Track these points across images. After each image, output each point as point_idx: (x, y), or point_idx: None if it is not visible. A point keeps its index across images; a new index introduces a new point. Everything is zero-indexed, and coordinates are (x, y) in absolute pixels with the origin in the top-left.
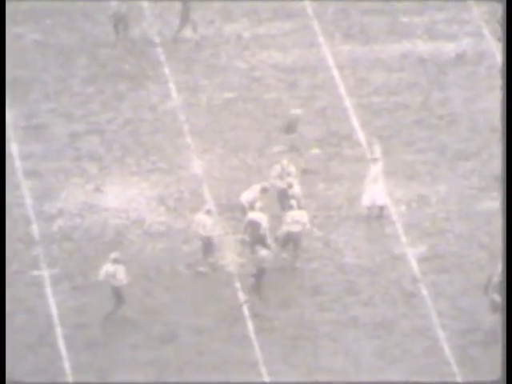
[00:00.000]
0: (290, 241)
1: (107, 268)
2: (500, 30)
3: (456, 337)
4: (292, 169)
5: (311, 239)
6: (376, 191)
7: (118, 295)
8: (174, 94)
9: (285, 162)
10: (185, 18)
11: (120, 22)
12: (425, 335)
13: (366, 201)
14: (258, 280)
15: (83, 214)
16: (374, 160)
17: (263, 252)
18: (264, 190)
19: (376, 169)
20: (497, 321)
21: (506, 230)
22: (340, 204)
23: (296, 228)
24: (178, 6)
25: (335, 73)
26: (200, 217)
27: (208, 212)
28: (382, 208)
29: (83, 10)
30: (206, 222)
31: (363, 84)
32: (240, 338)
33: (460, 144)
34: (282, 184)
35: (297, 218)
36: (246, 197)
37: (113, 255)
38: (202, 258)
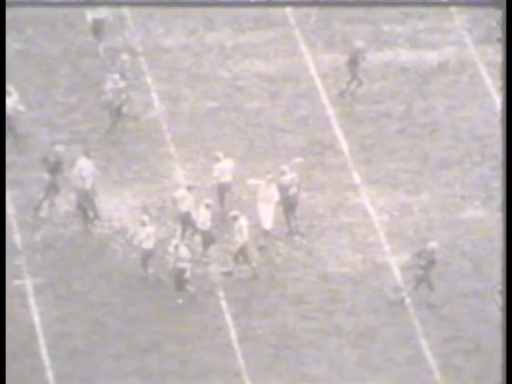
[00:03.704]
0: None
1: None
2: (500, 31)
3: (439, 345)
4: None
5: (294, 248)
6: (266, 213)
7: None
8: (156, 103)
9: (285, 167)
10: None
11: (117, 113)
12: (408, 343)
13: (259, 216)
14: (427, 272)
15: (66, 223)
16: (268, 183)
17: (433, 243)
18: (189, 188)
19: (269, 191)
20: (479, 329)
21: (506, 234)
22: (323, 213)
23: (239, 239)
24: (160, 14)
25: (317, 82)
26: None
27: (207, 206)
28: (266, 232)
29: (65, 19)
30: (207, 216)
31: (346, 93)
32: (223, 346)
33: (442, 152)
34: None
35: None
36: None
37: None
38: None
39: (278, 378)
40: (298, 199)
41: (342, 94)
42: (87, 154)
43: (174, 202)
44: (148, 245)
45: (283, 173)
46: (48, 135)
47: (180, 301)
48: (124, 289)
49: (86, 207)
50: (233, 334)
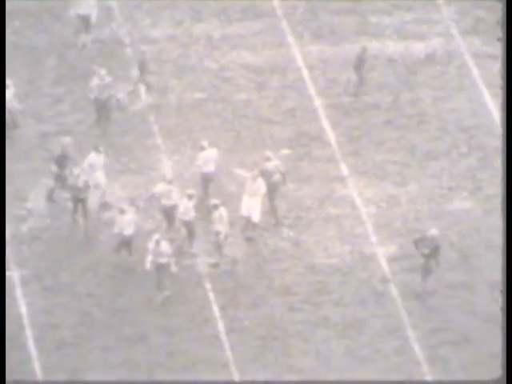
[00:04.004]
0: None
1: None
2: (500, 30)
3: (426, 336)
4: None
5: (281, 239)
6: (252, 206)
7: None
8: (143, 94)
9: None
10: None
11: (103, 109)
12: (395, 335)
13: (243, 211)
14: (434, 259)
15: (53, 214)
16: (254, 177)
17: (433, 230)
18: (169, 182)
19: (256, 185)
20: (467, 320)
21: (506, 232)
22: (310, 204)
23: (220, 228)
24: (147, 5)
25: (305, 73)
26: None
27: (190, 196)
28: (254, 225)
29: (52, 10)
30: (188, 206)
31: (333, 84)
32: (210, 338)
33: (430, 144)
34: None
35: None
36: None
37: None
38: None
39: (266, 370)
40: (279, 186)
41: (355, 95)
42: (96, 149)
43: (154, 197)
44: (129, 231)
45: (268, 159)
46: (35, 127)
47: (167, 293)
48: (111, 280)
49: (76, 202)
50: (220, 326)
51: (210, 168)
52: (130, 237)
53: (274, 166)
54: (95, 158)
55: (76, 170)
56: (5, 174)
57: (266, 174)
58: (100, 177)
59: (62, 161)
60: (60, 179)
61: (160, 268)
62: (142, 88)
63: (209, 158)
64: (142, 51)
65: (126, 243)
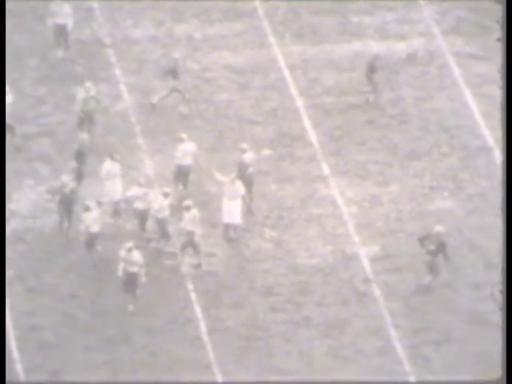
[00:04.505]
0: (188, 242)
1: None
2: (500, 30)
3: (408, 336)
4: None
5: (263, 240)
6: (233, 209)
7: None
8: (125, 95)
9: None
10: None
11: (87, 119)
12: (377, 335)
13: (224, 218)
14: (438, 256)
15: (35, 215)
16: (232, 180)
17: (438, 227)
18: (140, 184)
19: (234, 187)
20: (449, 320)
21: (506, 233)
22: (292, 204)
23: (190, 227)
24: (128, 6)
25: (286, 73)
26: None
27: (165, 195)
28: (236, 227)
29: (34, 11)
30: (163, 204)
31: (314, 84)
32: (193, 338)
33: (411, 143)
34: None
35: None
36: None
37: None
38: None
39: (248, 370)
40: (253, 179)
41: (367, 101)
42: (112, 156)
43: (128, 201)
44: (94, 229)
45: (243, 151)
46: (17, 128)
47: (138, 291)
48: (93, 281)
49: (62, 209)
50: (202, 326)
51: (188, 161)
52: (97, 234)
53: (250, 159)
54: (111, 165)
55: (64, 177)
56: (5, 174)
57: (242, 167)
58: (117, 185)
59: (79, 157)
60: (79, 174)
61: (131, 276)
62: (176, 95)
63: (187, 151)
64: (175, 58)
65: (92, 240)
